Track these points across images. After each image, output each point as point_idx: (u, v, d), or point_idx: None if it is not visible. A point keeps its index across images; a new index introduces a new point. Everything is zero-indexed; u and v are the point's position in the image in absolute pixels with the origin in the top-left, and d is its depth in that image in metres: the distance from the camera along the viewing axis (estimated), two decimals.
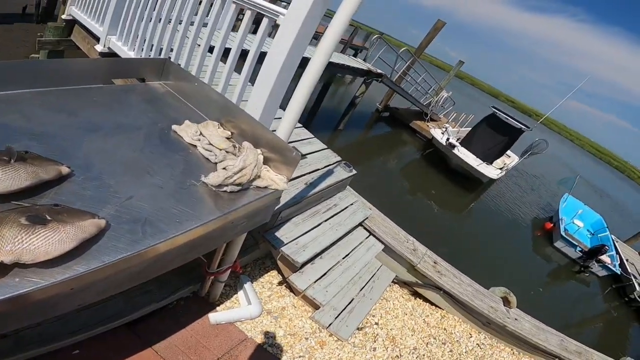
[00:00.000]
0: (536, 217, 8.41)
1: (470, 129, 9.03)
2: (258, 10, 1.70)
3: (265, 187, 1.09)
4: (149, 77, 1.39)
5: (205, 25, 2.14)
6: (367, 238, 2.69)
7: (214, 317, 1.88)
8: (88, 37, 3.44)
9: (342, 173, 2.66)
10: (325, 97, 8.20)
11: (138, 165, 0.91)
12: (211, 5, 2.05)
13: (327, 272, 2.29)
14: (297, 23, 1.34)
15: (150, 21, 2.66)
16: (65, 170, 0.75)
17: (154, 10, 2.58)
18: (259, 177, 1.09)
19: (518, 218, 7.99)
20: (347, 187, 2.88)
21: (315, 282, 2.20)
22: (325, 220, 2.46)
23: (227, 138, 1.19)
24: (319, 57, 1.27)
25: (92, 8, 3.37)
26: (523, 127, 7.85)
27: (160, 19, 2.62)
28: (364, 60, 7.82)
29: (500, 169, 7.94)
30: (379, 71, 7.41)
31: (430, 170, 8.27)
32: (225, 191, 0.99)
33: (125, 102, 1.17)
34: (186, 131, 1.12)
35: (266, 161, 1.12)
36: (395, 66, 8.08)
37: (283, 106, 1.48)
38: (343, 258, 2.44)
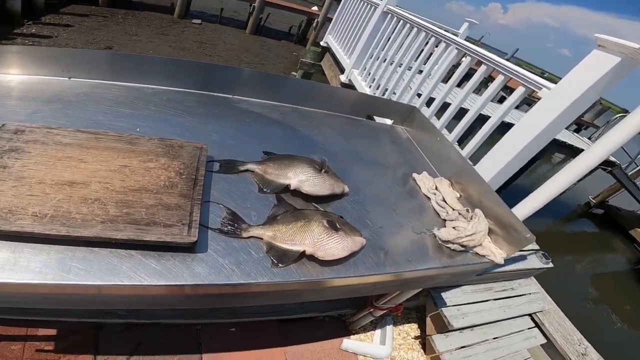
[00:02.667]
0: None
1: None
2: (514, 77, 1.66)
3: (483, 256, 1.07)
4: (395, 120, 1.58)
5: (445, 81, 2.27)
6: (530, 329, 2.40)
7: (346, 343, 1.96)
8: (334, 66, 4.23)
9: (535, 262, 2.35)
10: (524, 172, 7.21)
11: (388, 201, 1.04)
12: (457, 66, 2.15)
13: (471, 344, 2.13)
14: (566, 101, 1.23)
15: (384, 62, 3.04)
16: (346, 189, 0.94)
17: (389, 53, 2.93)
18: (481, 245, 1.07)
19: None
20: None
21: (456, 349, 2.07)
22: (496, 300, 2.30)
23: (457, 197, 1.22)
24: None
25: (345, 41, 4.08)
26: None
27: (393, 63, 2.95)
28: (589, 139, 6.46)
29: None
30: (612, 159, 5.94)
31: (637, 289, 6.07)
32: (449, 248, 1.02)
33: (379, 140, 1.37)
34: (424, 182, 1.21)
35: (489, 232, 1.09)
36: (637, 157, 6.29)
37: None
38: (494, 338, 2.23)
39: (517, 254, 2.25)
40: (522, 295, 2.45)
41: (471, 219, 1.11)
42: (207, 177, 0.79)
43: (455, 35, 2.44)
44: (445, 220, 1.11)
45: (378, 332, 2.10)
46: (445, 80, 2.67)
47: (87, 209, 0.57)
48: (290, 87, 1.29)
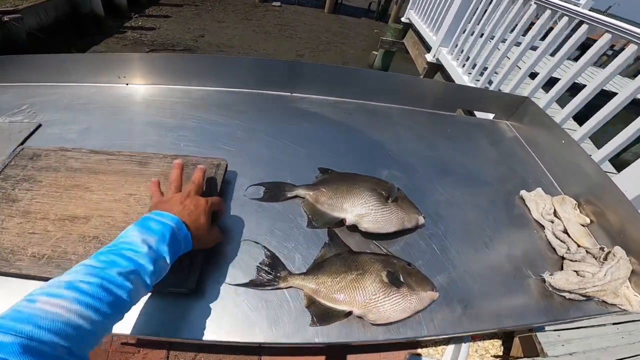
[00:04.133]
0: None
1: None
2: None
3: (613, 305, 0.73)
4: (498, 114, 1.23)
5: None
6: None
7: (412, 358, 1.76)
8: (418, 44, 3.74)
9: None
10: None
11: (480, 232, 0.77)
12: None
13: None
14: None
15: (482, 38, 2.51)
16: (421, 221, 0.71)
17: (487, 27, 2.40)
18: (614, 293, 0.73)
19: None
20: None
21: None
22: (614, 324, 1.89)
23: (583, 225, 0.87)
24: None
25: (429, 16, 3.55)
26: None
27: (493, 37, 2.41)
28: None
29: None
30: None
31: None
32: (563, 297, 0.72)
33: (474, 142, 1.06)
34: (536, 203, 0.88)
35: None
36: None
37: None
38: None
39: None
40: None
41: (605, 259, 0.77)
42: (245, 204, 0.66)
43: (576, 5, 1.84)
44: (564, 258, 0.79)
45: (451, 348, 1.84)
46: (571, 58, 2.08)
47: (83, 249, 0.54)
48: (358, 79, 1.07)
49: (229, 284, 0.56)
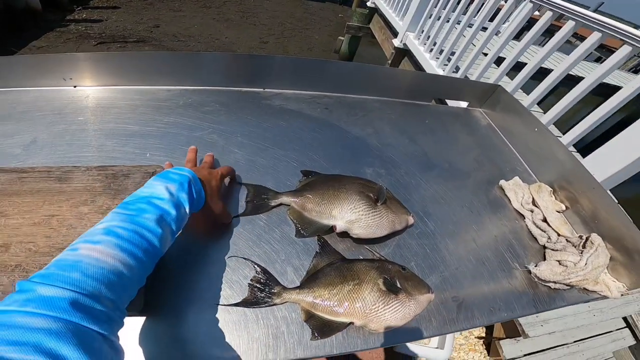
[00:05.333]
0: None
1: None
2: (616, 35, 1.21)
3: (594, 292, 0.77)
4: (471, 101, 1.24)
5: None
6: (619, 329, 2.18)
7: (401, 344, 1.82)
8: (385, 29, 3.73)
9: None
10: None
11: (466, 227, 0.77)
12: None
13: (546, 349, 1.92)
14: None
15: (448, 23, 2.54)
16: (411, 221, 0.69)
17: (453, 13, 2.43)
18: (594, 280, 0.77)
19: None
20: None
21: (525, 355, 1.89)
22: (585, 302, 1.98)
23: (559, 212, 0.90)
24: None
25: (394, 0, 3.54)
26: None
27: (459, 23, 2.45)
28: None
29: None
30: None
31: None
32: (548, 287, 0.74)
33: (451, 132, 1.06)
34: (515, 192, 0.90)
35: None
36: None
37: None
38: (575, 342, 2.01)
39: None
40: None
41: (583, 247, 0.80)
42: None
43: None
44: (545, 247, 0.81)
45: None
46: (517, 37, 2.15)
47: (7, 279, 0.47)
48: (334, 72, 1.02)
49: (221, 305, 0.51)
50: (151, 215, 0.41)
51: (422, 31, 2.87)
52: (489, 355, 2.03)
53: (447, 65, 2.53)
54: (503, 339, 1.93)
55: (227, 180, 0.66)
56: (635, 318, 2.27)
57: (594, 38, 1.56)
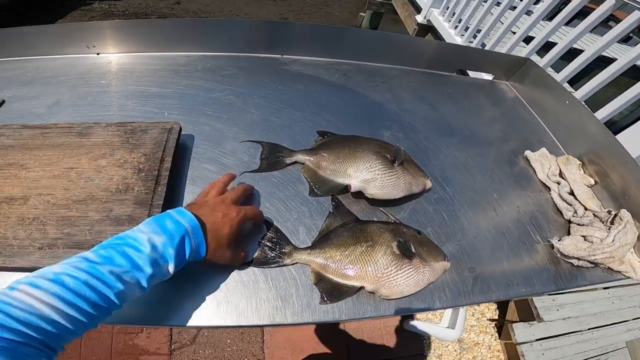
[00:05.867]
0: None
1: None
2: None
3: (618, 272, 0.73)
4: (497, 74, 1.17)
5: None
6: (635, 319, 2.07)
7: (412, 323, 1.81)
8: (408, 5, 3.58)
9: None
10: None
11: (487, 196, 0.74)
12: None
13: (559, 335, 1.85)
14: None
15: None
16: (428, 185, 0.67)
17: None
18: (620, 260, 0.73)
19: None
20: None
21: (537, 340, 1.82)
22: (605, 289, 1.98)
23: (588, 186, 0.85)
24: None
25: None
26: None
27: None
28: None
29: None
30: None
31: None
32: (571, 263, 0.70)
33: (475, 102, 1.01)
34: (542, 164, 0.86)
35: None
36: None
37: None
38: (589, 329, 1.92)
39: None
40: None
41: (611, 223, 0.75)
42: (240, 175, 0.61)
43: None
44: (570, 222, 0.77)
45: (449, 312, 1.88)
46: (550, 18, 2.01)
47: (24, 233, 0.48)
48: (353, 39, 0.99)
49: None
50: (116, 269, 0.37)
51: (447, 8, 2.73)
52: (499, 338, 2.00)
53: (471, 42, 2.41)
54: (516, 322, 1.88)
55: (248, 225, 0.55)
56: None
57: (633, 17, 1.43)
